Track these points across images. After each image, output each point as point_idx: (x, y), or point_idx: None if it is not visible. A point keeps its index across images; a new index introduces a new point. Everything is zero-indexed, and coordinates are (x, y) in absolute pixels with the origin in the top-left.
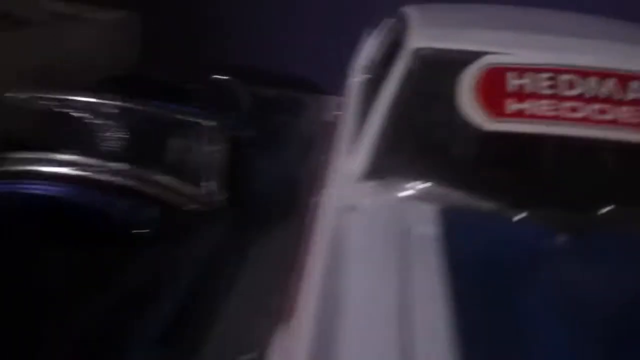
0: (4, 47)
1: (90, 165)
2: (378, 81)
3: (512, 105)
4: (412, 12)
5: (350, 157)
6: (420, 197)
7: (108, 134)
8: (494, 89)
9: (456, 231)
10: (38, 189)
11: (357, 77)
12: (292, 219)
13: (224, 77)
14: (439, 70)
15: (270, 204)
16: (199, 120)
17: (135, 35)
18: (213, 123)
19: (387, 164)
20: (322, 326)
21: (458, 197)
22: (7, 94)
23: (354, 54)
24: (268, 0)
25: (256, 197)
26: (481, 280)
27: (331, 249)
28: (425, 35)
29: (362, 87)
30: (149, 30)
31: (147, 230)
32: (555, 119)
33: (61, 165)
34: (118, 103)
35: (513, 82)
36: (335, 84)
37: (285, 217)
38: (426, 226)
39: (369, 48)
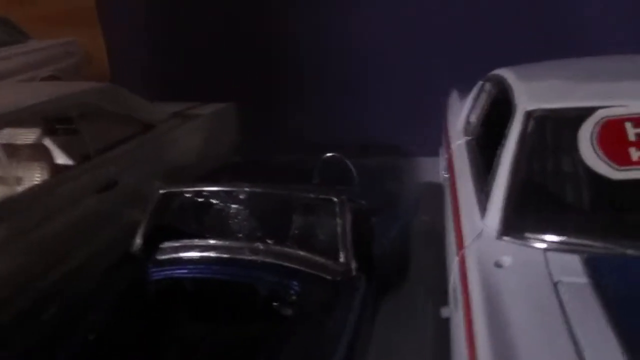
0: (141, 149)
1: (233, 247)
2: (485, 142)
3: (636, 154)
4: (509, 74)
5: (484, 216)
6: (560, 249)
7: (245, 217)
8: (616, 140)
9: (606, 277)
10: (189, 272)
11: (460, 139)
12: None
13: (331, 154)
14: (553, 128)
15: (391, 266)
16: (329, 197)
17: (232, 123)
18: (341, 197)
19: (522, 219)
20: None
21: (598, 245)
22: (161, 191)
23: (440, 117)
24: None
25: (380, 261)
26: None
27: (489, 308)
28: (532, 97)
29: (469, 149)
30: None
31: (292, 304)
32: None
33: (207, 250)
34: (251, 189)
35: (632, 131)
36: (422, 146)
37: (404, 277)
38: (576, 276)
39: (464, 111)
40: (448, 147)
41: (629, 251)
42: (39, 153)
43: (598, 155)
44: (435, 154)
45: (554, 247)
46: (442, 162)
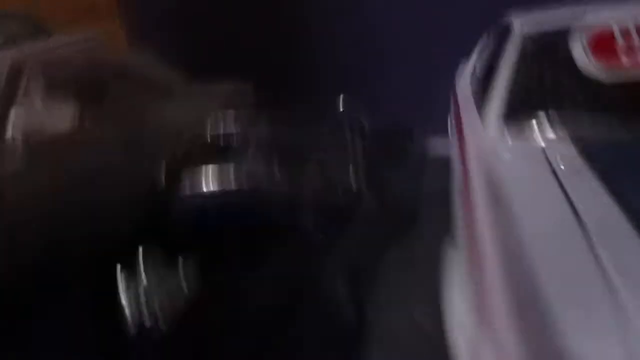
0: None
1: (251, 176)
2: (487, 78)
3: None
4: (510, 18)
5: (485, 123)
6: (556, 142)
7: (264, 147)
8: (606, 47)
9: (601, 162)
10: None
11: (466, 90)
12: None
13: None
14: (548, 43)
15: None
16: (343, 125)
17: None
18: (358, 126)
19: (519, 119)
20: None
21: (592, 136)
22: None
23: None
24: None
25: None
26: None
27: (492, 196)
28: (529, 24)
29: (473, 90)
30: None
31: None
32: None
33: (228, 181)
34: (271, 126)
35: (620, 39)
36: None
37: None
38: (573, 163)
39: (470, 66)
40: (455, 101)
41: (621, 138)
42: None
43: (590, 60)
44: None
45: (550, 141)
46: (450, 124)
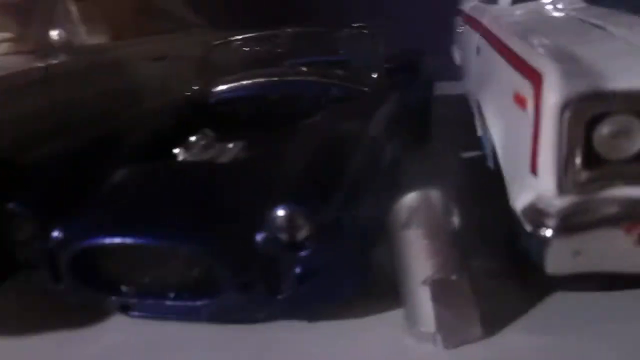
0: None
1: (281, 72)
2: None
3: None
4: None
5: None
6: None
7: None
8: None
9: None
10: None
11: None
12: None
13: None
14: None
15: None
16: (365, 31)
17: None
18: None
19: None
20: None
21: None
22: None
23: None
24: None
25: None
26: None
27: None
28: None
29: None
30: None
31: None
32: None
33: (258, 77)
34: (301, 30)
35: None
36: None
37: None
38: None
39: None
40: (461, 15)
41: None
42: None
43: None
44: None
45: None
46: (455, 48)
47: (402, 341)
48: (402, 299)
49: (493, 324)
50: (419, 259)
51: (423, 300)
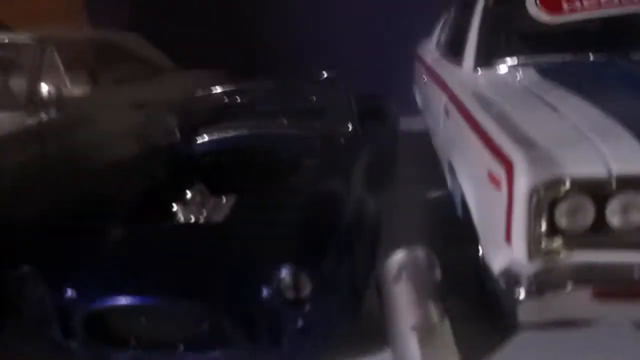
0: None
1: (260, 124)
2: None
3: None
4: None
5: (461, 63)
6: (518, 66)
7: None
8: None
9: (552, 73)
10: (227, 144)
11: (433, 54)
12: None
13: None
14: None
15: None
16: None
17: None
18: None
19: (488, 54)
20: None
21: (545, 59)
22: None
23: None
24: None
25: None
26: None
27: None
28: None
29: (441, 51)
30: None
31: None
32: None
33: (239, 128)
34: (273, 84)
35: None
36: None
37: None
38: (533, 79)
39: (435, 35)
40: (422, 63)
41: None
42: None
43: (538, 7)
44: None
45: (512, 66)
46: (417, 89)
47: None
48: (391, 343)
49: None
50: (408, 308)
51: (411, 344)
